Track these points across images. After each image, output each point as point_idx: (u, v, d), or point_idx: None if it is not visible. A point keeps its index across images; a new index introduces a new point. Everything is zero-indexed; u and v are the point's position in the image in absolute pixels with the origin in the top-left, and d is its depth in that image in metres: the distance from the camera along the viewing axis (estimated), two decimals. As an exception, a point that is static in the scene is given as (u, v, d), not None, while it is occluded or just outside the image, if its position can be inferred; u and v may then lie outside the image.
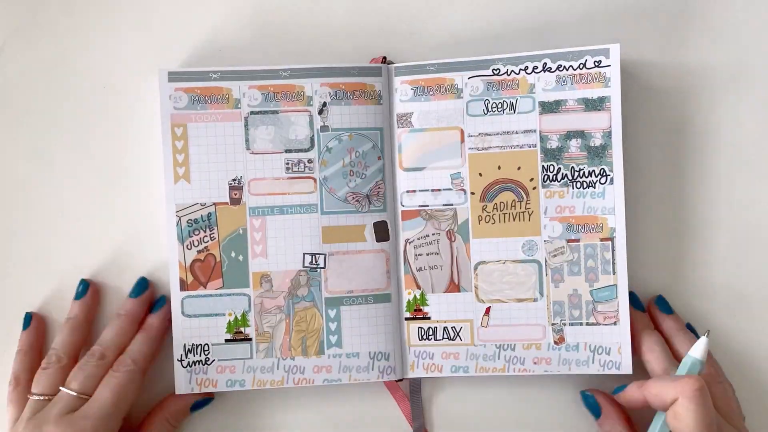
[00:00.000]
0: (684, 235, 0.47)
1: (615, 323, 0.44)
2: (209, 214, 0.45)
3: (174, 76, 0.45)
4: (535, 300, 0.45)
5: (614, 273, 0.45)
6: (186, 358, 0.45)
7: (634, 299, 0.45)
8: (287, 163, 0.46)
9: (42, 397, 0.43)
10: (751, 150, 0.46)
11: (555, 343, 0.45)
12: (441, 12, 0.47)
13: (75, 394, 0.43)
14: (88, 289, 0.46)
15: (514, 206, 0.46)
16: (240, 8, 0.48)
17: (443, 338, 0.46)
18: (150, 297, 0.47)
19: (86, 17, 0.48)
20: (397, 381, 0.47)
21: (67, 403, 0.42)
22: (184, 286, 0.45)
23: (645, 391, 0.41)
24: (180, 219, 0.45)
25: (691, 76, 0.47)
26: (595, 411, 0.45)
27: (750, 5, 0.47)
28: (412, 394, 0.47)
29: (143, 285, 0.47)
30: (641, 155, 0.47)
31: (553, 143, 0.45)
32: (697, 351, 0.41)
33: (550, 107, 0.45)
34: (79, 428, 0.41)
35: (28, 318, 0.47)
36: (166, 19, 0.48)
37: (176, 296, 0.45)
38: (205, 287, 0.45)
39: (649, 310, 0.46)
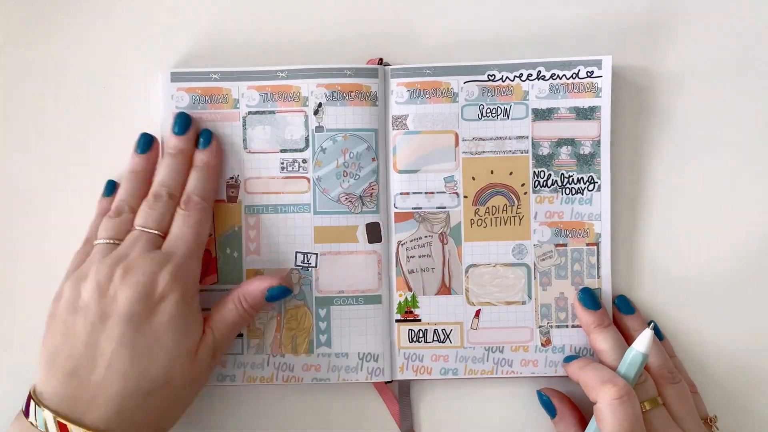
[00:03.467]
0: (669, 241, 0.57)
1: (599, 326, 0.55)
2: (205, 211, 0.56)
3: (176, 77, 0.56)
4: (523, 303, 0.56)
5: (599, 277, 0.55)
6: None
7: (621, 301, 0.56)
8: (282, 163, 0.56)
9: (111, 241, 0.51)
10: (738, 157, 0.57)
11: (542, 345, 0.56)
12: (439, 16, 0.58)
13: (156, 232, 0.51)
14: (153, 142, 0.55)
15: (506, 210, 0.56)
16: (238, 9, 0.58)
17: (433, 340, 0.56)
18: (196, 132, 0.55)
19: (85, 17, 0.58)
20: (386, 383, 0.57)
21: (148, 241, 0.50)
22: (179, 280, 0.55)
23: (580, 378, 0.51)
24: (177, 215, 0.55)
25: (681, 84, 0.57)
26: (551, 411, 0.55)
27: (748, 10, 0.58)
28: (401, 396, 0.58)
29: (186, 120, 0.55)
30: (630, 160, 0.57)
31: (545, 150, 0.56)
32: (639, 344, 0.50)
33: (542, 114, 0.56)
34: (174, 265, 0.49)
35: (111, 185, 0.55)
36: (164, 19, 0.58)
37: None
38: (200, 282, 0.55)
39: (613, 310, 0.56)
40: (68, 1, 0.58)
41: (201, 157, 0.55)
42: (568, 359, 0.55)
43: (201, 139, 0.55)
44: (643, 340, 0.50)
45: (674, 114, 0.57)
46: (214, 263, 0.56)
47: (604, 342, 0.52)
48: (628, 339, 0.54)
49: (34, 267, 0.58)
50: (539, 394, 0.56)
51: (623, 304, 0.55)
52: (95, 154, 0.58)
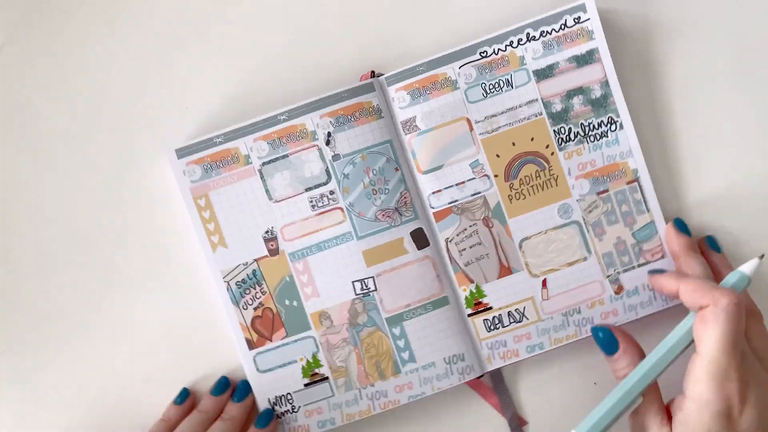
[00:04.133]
0: (706, 160, 0.58)
1: (663, 256, 0.56)
2: (254, 271, 0.56)
3: (182, 152, 0.56)
4: (585, 259, 0.57)
5: (648, 210, 0.56)
6: (273, 411, 0.55)
7: (680, 225, 0.56)
8: (311, 201, 0.57)
9: None
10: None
11: (615, 293, 0.56)
12: (420, 15, 0.59)
13: None
14: (187, 398, 0.57)
15: (539, 176, 0.57)
16: (220, 71, 0.59)
17: (510, 323, 0.57)
18: (231, 392, 0.57)
19: (85, 112, 0.59)
20: (478, 378, 0.58)
21: None
22: (251, 344, 0.56)
23: (682, 284, 0.50)
24: (228, 283, 0.56)
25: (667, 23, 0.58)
26: (610, 347, 0.52)
27: None
28: (497, 386, 0.58)
29: (226, 384, 0.57)
30: (642, 89, 0.58)
31: (557, 106, 0.56)
32: (747, 267, 0.50)
33: (544, 73, 0.56)
34: None
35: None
36: (157, 101, 0.59)
37: (246, 355, 0.56)
38: (270, 340, 0.56)
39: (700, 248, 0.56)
40: (62, 102, 0.59)
41: (232, 410, 0.56)
42: (654, 272, 0.55)
43: (238, 394, 0.56)
44: (751, 265, 0.50)
45: (677, 35, 0.58)
46: (277, 319, 0.56)
47: (698, 265, 0.53)
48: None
49: (32, 267, 0.58)
50: (594, 330, 0.53)
51: (711, 243, 0.56)
52: (125, 243, 0.58)
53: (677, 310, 0.57)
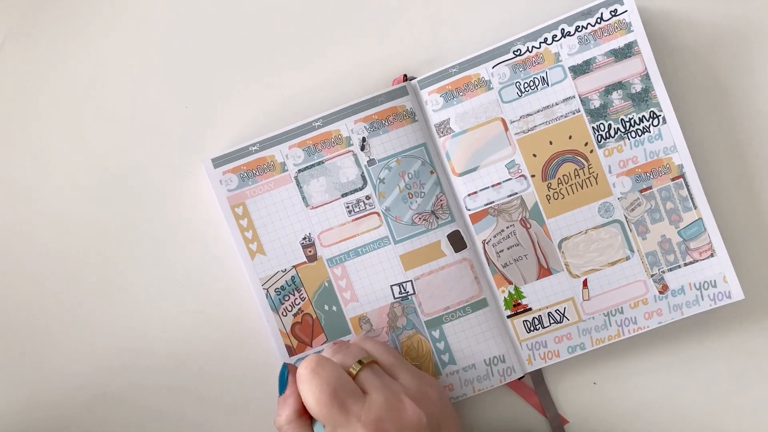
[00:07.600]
0: (757, 152, 0.55)
1: (712, 255, 0.53)
2: (292, 278, 0.56)
3: (218, 161, 0.56)
4: (627, 258, 0.54)
5: (695, 207, 0.53)
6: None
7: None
8: (347, 207, 0.56)
9: None
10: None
11: (660, 292, 0.54)
12: (448, 17, 0.57)
13: None
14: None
15: (578, 175, 0.55)
16: (259, 79, 0.58)
17: (550, 324, 0.55)
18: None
19: (117, 120, 0.59)
20: (519, 379, 0.56)
21: None
22: (291, 351, 0.56)
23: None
24: (268, 290, 0.56)
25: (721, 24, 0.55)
26: (282, 386, 0.52)
27: None
28: (537, 387, 0.57)
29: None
30: (684, 80, 0.55)
31: (596, 102, 0.54)
32: None
33: (581, 69, 0.54)
34: None
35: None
36: (196, 109, 0.59)
37: (288, 362, 0.56)
38: (311, 346, 0.56)
39: None
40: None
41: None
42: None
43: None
44: None
45: (718, 24, 0.55)
46: (317, 324, 0.56)
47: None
48: None
49: (32, 267, 0.59)
50: (282, 367, 0.53)
51: None
52: (164, 254, 0.58)
53: (725, 310, 0.55)
